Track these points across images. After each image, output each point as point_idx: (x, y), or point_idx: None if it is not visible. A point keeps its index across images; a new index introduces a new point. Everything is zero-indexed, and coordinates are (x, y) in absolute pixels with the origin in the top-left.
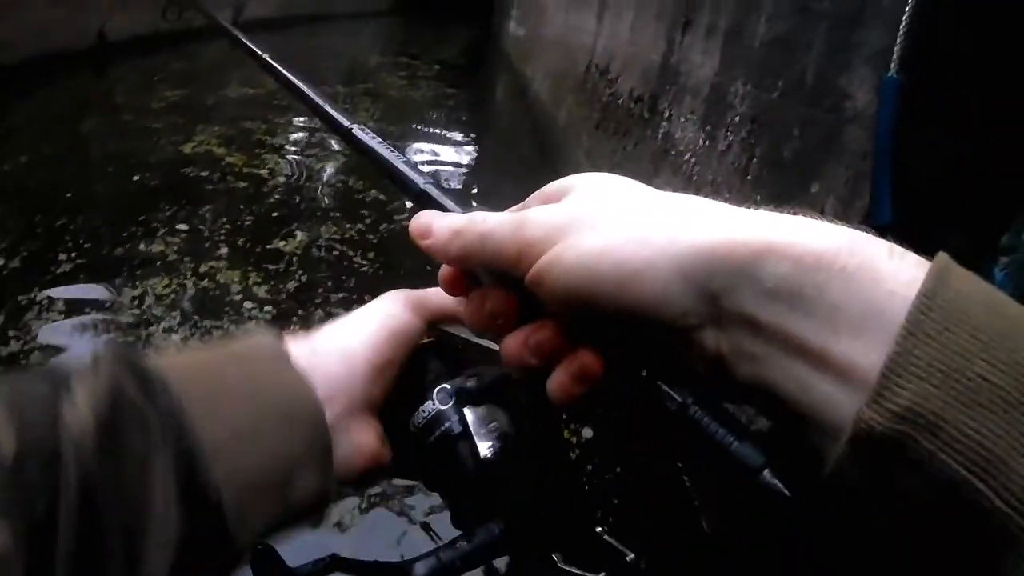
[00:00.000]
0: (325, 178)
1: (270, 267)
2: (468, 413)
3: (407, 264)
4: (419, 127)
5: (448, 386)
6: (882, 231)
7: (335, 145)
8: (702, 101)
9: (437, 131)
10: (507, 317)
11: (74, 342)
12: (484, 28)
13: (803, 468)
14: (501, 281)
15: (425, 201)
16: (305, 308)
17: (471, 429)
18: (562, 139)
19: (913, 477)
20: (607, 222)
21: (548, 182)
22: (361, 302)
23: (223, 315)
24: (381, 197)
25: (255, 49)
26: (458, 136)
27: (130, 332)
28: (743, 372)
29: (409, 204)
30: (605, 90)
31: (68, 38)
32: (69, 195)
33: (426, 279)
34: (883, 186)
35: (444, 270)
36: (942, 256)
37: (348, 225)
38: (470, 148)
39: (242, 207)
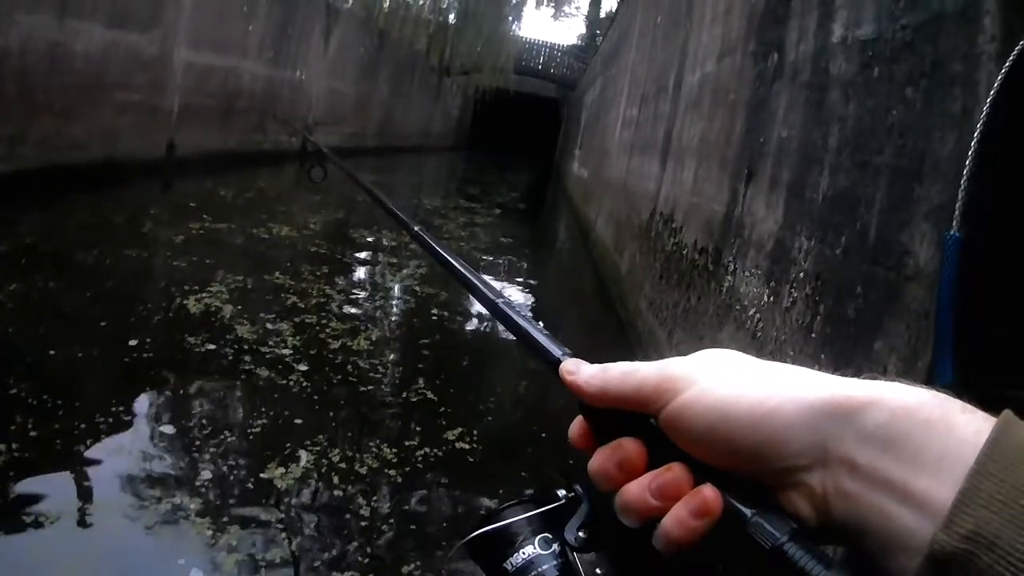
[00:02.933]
0: (361, 367)
1: (255, 517)
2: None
3: (433, 529)
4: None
5: (550, 535)
6: (947, 390)
7: (379, 316)
8: (766, 256)
9: (493, 280)
10: (636, 465)
11: None
12: (545, 167)
13: None
14: (630, 431)
15: None
16: None
17: None
18: (625, 288)
19: None
20: (740, 374)
21: (610, 335)
22: None
23: None
24: (431, 396)
25: (402, 217)
26: (512, 289)
27: None
28: (839, 508)
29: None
30: (669, 239)
31: (137, 146)
32: (49, 351)
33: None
34: (944, 346)
35: (575, 425)
36: (1007, 412)
37: (376, 446)
38: (526, 298)
39: (245, 409)
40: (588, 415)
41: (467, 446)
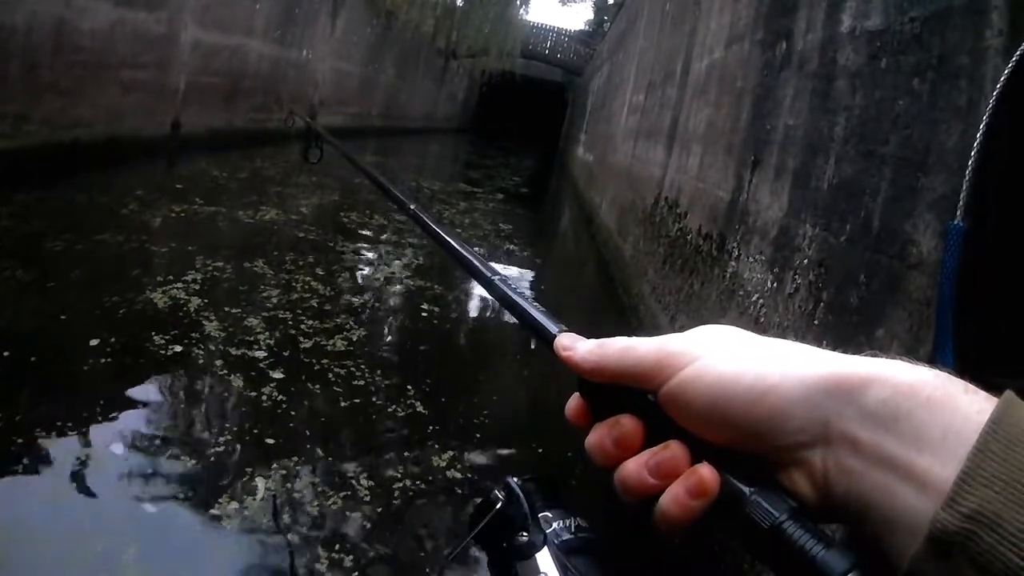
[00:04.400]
0: (343, 375)
1: (197, 564)
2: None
3: None
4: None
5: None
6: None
7: (366, 313)
8: (770, 242)
9: (493, 266)
10: (633, 442)
11: None
12: (550, 152)
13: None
14: (628, 408)
15: None
16: None
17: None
18: (628, 273)
19: (977, 569)
20: (740, 350)
21: (612, 321)
22: None
23: None
24: (421, 410)
25: (400, 196)
26: (513, 274)
27: None
28: (840, 486)
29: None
30: (673, 225)
31: (142, 125)
32: (4, 352)
33: None
34: (945, 335)
35: (571, 402)
36: (1009, 392)
37: (350, 478)
38: (527, 284)
39: (204, 424)
40: (585, 392)
41: (459, 475)
